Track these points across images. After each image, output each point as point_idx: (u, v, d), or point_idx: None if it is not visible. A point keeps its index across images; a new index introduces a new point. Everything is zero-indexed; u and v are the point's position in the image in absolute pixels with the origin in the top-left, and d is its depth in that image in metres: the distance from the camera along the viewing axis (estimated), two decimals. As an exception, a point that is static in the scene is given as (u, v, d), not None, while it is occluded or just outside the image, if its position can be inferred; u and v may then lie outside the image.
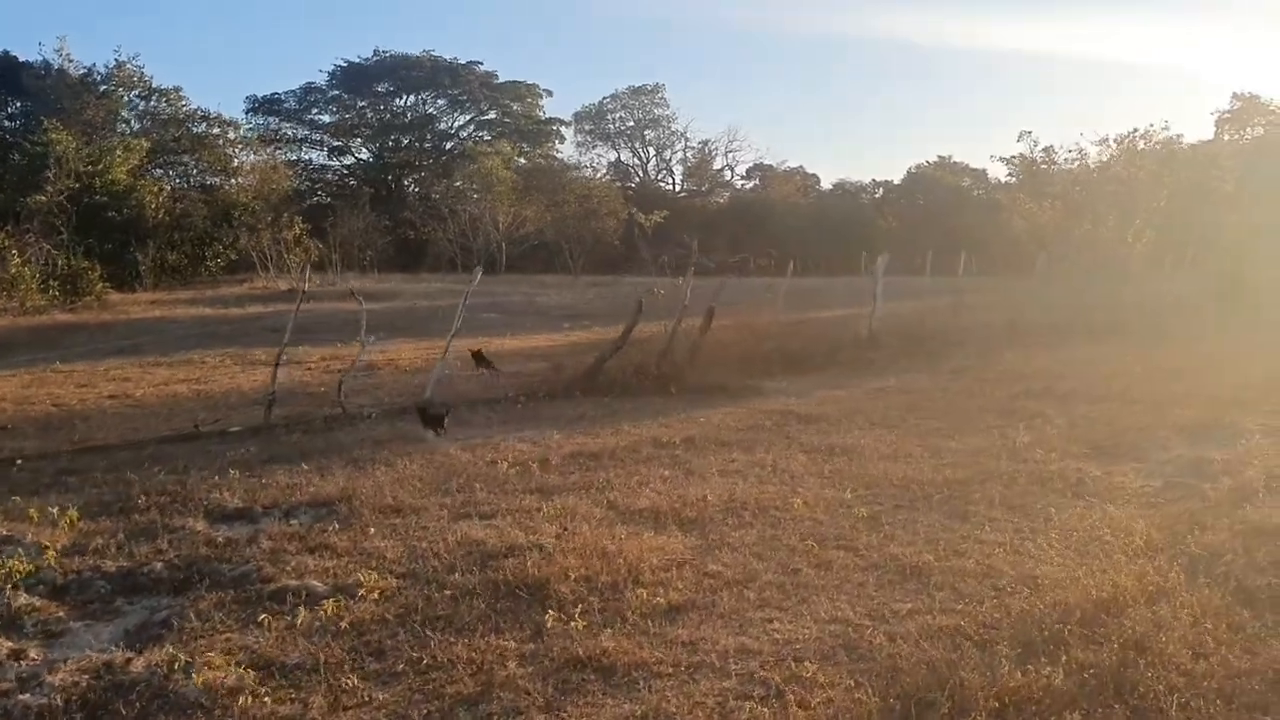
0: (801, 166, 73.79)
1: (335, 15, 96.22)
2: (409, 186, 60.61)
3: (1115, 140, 29.60)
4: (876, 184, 69.96)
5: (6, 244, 27.79)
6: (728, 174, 74.15)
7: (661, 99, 72.29)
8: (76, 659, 4.70)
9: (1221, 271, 25.14)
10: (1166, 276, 25.44)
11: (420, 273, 44.40)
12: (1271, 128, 47.54)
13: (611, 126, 72.80)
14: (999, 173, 43.60)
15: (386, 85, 63.23)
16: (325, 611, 5.06)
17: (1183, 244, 25.67)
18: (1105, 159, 30.37)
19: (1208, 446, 8.82)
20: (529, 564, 5.70)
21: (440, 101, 64.57)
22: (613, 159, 73.49)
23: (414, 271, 44.73)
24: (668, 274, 18.98)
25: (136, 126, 48.26)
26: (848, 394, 12.38)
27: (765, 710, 4.07)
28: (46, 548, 6.19)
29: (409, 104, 64.08)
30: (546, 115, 67.39)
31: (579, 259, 48.57)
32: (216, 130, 48.93)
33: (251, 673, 4.49)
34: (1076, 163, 30.00)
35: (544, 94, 66.60)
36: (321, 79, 62.61)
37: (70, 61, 47.56)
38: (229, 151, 49.16)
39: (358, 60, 62.64)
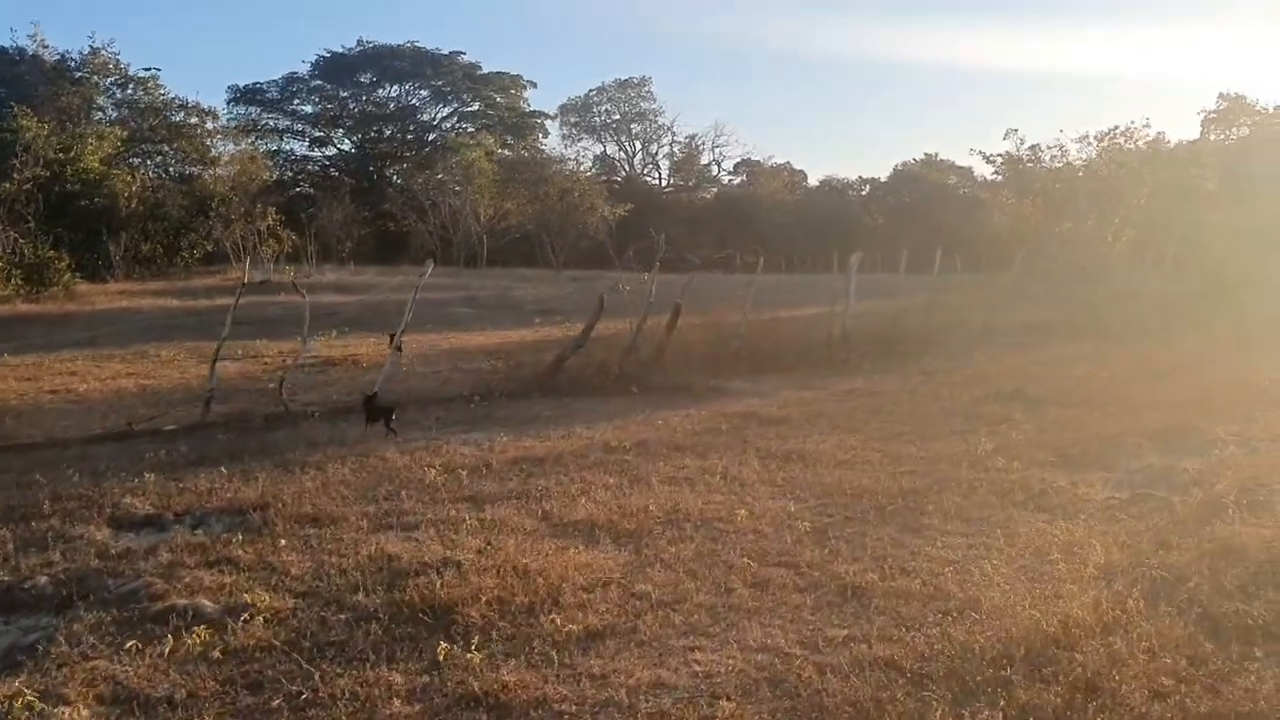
0: (789, 162, 73.72)
1: (318, 4, 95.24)
2: (391, 178, 59.91)
3: (1096, 137, 29.29)
4: (863, 181, 69.82)
5: (-31, 232, 27.18)
6: (714, 169, 73.86)
7: (648, 92, 71.96)
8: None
9: (1203, 271, 24.84)
10: (1147, 275, 25.12)
11: (400, 265, 43.79)
12: (1257, 128, 47.42)
13: (597, 120, 72.38)
14: (985, 171, 43.32)
15: (369, 75, 62.57)
16: (199, 638, 4.61)
17: (1164, 243, 25.37)
18: (1086, 156, 30.11)
19: (1180, 455, 8.43)
20: (439, 584, 5.26)
21: (423, 92, 63.98)
22: (598, 152, 73.09)
23: (394, 264, 44.13)
24: (633, 269, 18.47)
25: (114, 115, 47.56)
26: (814, 396, 11.97)
27: (669, 759, 3.65)
28: (-77, 560, 5.73)
29: (391, 95, 63.47)
30: (531, 107, 66.89)
31: (560, 253, 48.06)
32: (195, 119, 48.25)
33: (110, 709, 4.04)
34: (1057, 160, 29.67)
35: (528, 86, 66.11)
36: (304, 69, 61.92)
37: (45, 48, 46.89)
38: (207, 141, 48.47)
39: (341, 50, 61.98)
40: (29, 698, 4.05)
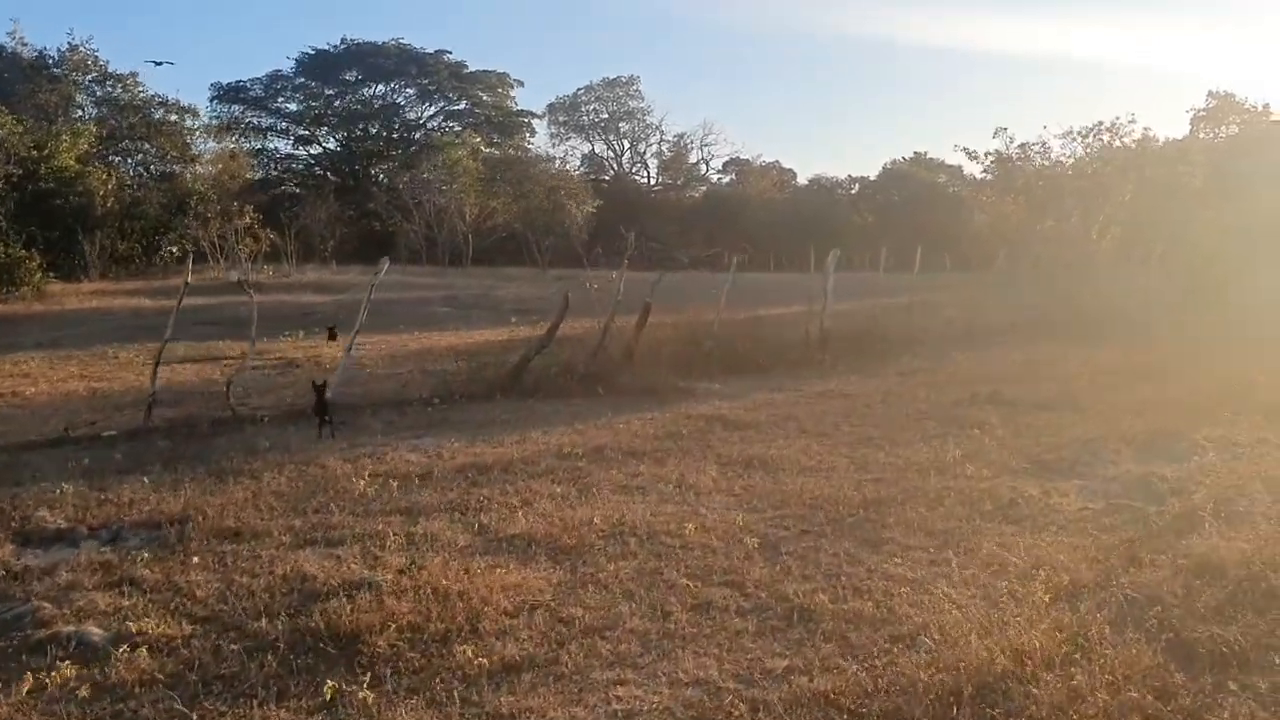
0: (778, 161, 73.22)
1: (302, 2, 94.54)
2: (376, 177, 59.31)
3: (1080, 133, 28.92)
4: (853, 179, 69.43)
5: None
6: (703, 168, 73.39)
7: (636, 91, 71.38)
8: None
9: (1190, 270, 24.54)
10: (1133, 274, 24.78)
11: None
12: (1247, 126, 47.17)
13: (585, 119, 71.79)
14: (975, 169, 42.97)
15: (354, 74, 61.84)
16: (64, 674, 4.18)
17: (1151, 241, 25.04)
18: (1070, 153, 29.72)
19: (1159, 461, 8.06)
20: (349, 609, 4.83)
21: (409, 91, 63.27)
22: (586, 151, 72.57)
23: (377, 263, 43.55)
24: (602, 266, 18.05)
25: (93, 112, 46.90)
26: (785, 398, 11.58)
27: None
28: None
29: (377, 93, 62.74)
30: (518, 106, 66.26)
31: (546, 252, 47.56)
32: (175, 117, 47.58)
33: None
34: (1042, 157, 29.29)
35: (515, 84, 65.43)
36: (288, 67, 61.26)
37: (24, 45, 46.21)
38: (188, 139, 47.80)
39: (325, 48, 61.31)
40: None
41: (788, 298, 22.87)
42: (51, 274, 31.04)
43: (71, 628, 4.76)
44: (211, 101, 58.72)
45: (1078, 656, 4.27)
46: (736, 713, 3.94)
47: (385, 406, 11.18)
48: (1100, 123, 29.82)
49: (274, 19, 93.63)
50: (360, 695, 3.98)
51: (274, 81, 61.28)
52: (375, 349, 17.03)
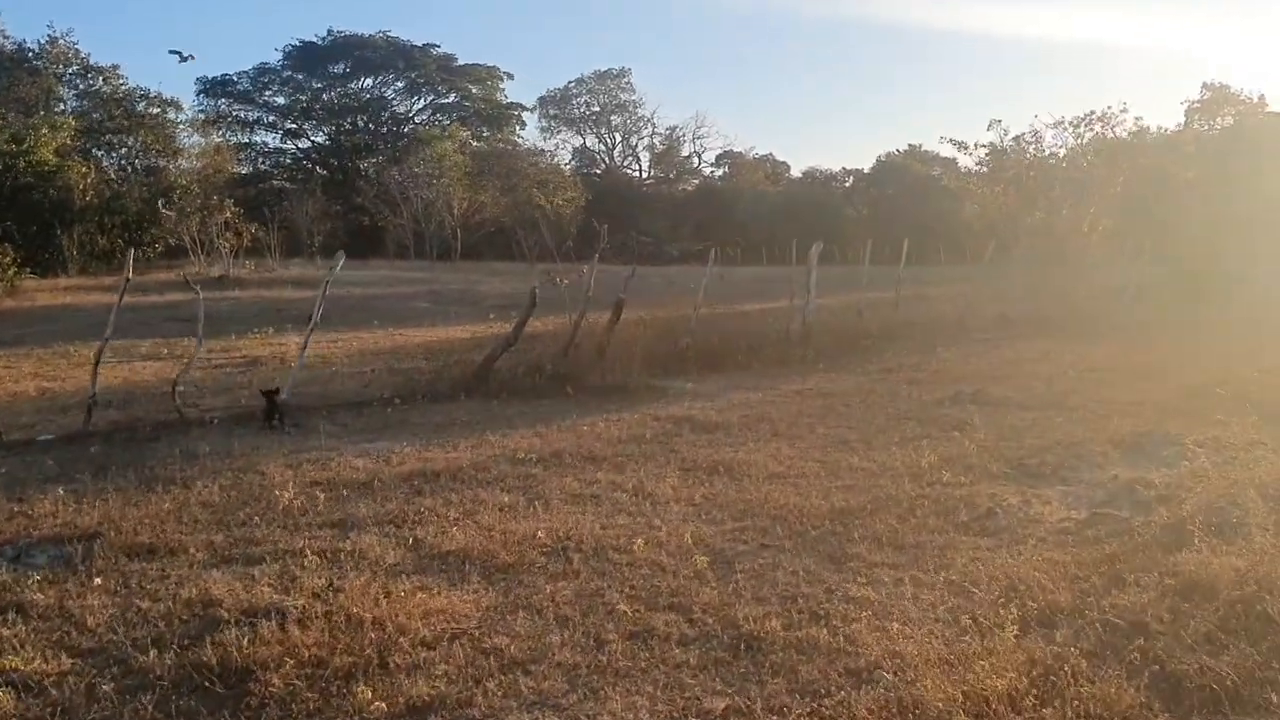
0: (771, 154, 72.74)
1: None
2: (365, 171, 58.71)
3: (1071, 123, 28.43)
4: (847, 172, 68.99)
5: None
6: (695, 161, 72.88)
7: (628, 84, 70.86)
8: None
9: (1183, 263, 24.12)
10: (1125, 267, 24.33)
11: (370, 260, 42.75)
12: (1241, 117, 46.70)
13: (577, 111, 71.25)
14: (969, 162, 42.42)
15: (342, 66, 61.30)
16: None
17: (1143, 233, 24.59)
18: (1061, 142, 29.20)
19: (1147, 465, 7.62)
20: (248, 640, 4.37)
21: (398, 84, 62.78)
22: (578, 145, 72.02)
23: (365, 258, 43.08)
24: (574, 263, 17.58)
25: (75, 105, 46.28)
26: (761, 397, 11.11)
27: None
28: None
29: (365, 86, 62.21)
30: (508, 99, 65.71)
31: (534, 246, 47.02)
32: (157, 110, 46.94)
33: None
34: (1033, 147, 28.77)
35: (505, 77, 64.91)
36: (275, 59, 60.64)
37: (4, 38, 45.60)
38: (171, 132, 47.16)
39: (313, 40, 60.72)
40: None
41: (775, 292, 22.42)
42: (28, 270, 30.50)
43: (-63, 664, 4.29)
44: (198, 95, 58.18)
45: (1050, 696, 3.81)
46: (663, 765, 3.49)
47: (344, 407, 10.70)
48: (1092, 112, 29.39)
49: (260, 10, 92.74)
50: (232, 749, 3.52)
51: (261, 75, 60.73)
52: (346, 346, 16.54)
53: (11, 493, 7.15)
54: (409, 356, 15.05)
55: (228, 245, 33.58)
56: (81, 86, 46.77)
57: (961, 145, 29.88)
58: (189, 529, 6.20)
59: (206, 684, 4.03)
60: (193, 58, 61.85)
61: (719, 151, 71.94)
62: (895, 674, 4.07)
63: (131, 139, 47.03)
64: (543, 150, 65.87)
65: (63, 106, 45.83)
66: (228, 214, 34.24)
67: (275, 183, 57.56)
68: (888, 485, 7.12)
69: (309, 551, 5.59)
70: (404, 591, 5.01)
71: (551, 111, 70.51)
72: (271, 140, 62.03)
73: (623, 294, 12.82)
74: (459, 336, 17.75)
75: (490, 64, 64.37)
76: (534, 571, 5.43)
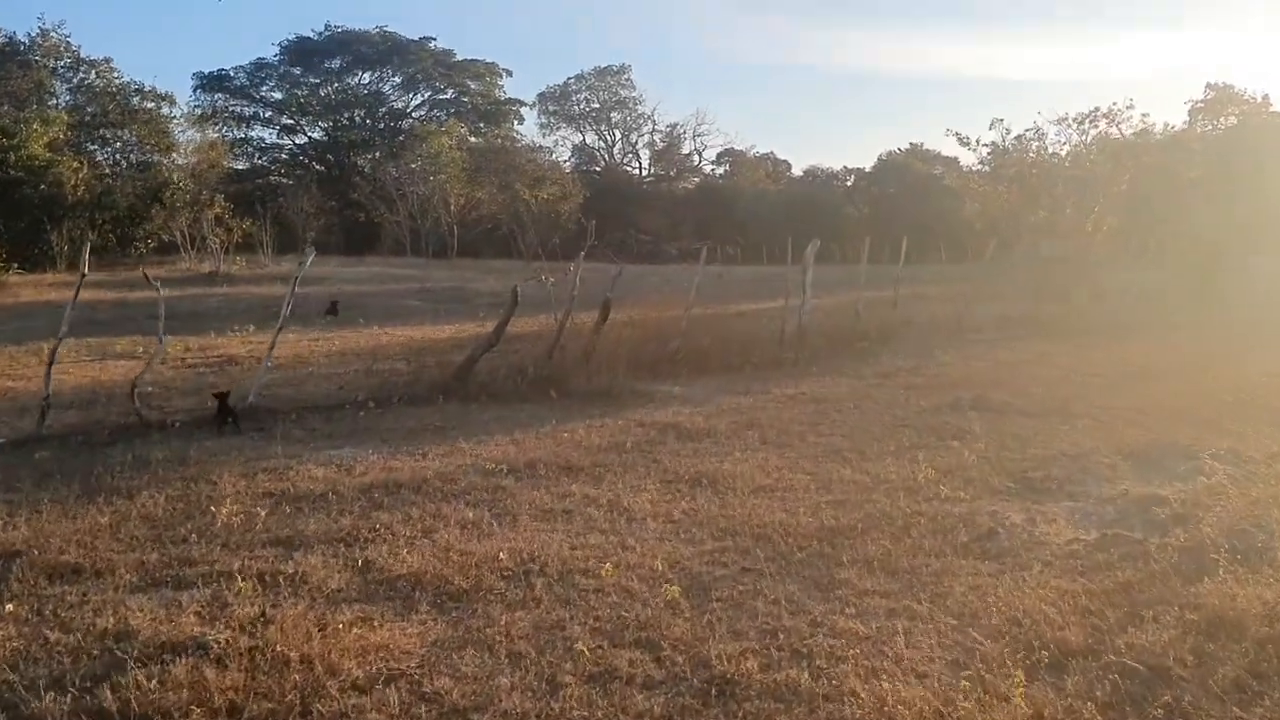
0: (772, 152, 72.12)
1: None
2: (361, 167, 58.17)
3: (1075, 120, 27.91)
4: (848, 171, 68.39)
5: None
6: (696, 159, 72.30)
7: (628, 80, 70.23)
8: None
9: (1189, 262, 23.60)
10: (1129, 267, 23.83)
11: (366, 257, 42.24)
12: (1245, 117, 46.20)
13: (576, 108, 70.66)
14: (971, 159, 41.83)
15: (339, 62, 60.73)
16: None
17: (1147, 232, 24.07)
18: (1065, 140, 28.66)
19: (1159, 480, 7.11)
20: (157, 683, 3.88)
21: (395, 79, 62.22)
22: (577, 142, 71.47)
23: (360, 255, 42.57)
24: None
25: (68, 99, 45.76)
26: (751, 402, 10.61)
27: None
28: None
29: (362, 82, 61.63)
30: (506, 95, 65.13)
31: (532, 244, 46.51)
32: (152, 104, 46.39)
33: None
34: (1037, 144, 28.27)
35: (503, 73, 64.31)
36: (272, 54, 60.10)
37: (-2, 31, 45.06)
38: (165, 127, 46.61)
39: (310, 35, 60.18)
40: None
41: (773, 292, 21.88)
42: (16, 266, 30.05)
43: None
44: (195, 90, 57.67)
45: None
46: (611, 844, 3.00)
47: (314, 410, 10.21)
48: (1096, 108, 28.87)
49: (257, 4, 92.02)
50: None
51: (258, 70, 60.20)
52: (327, 345, 16.06)
53: (-57, 504, 6.67)
54: (389, 357, 14.56)
55: (219, 241, 33.05)
56: (74, 80, 46.26)
57: (965, 140, 29.34)
58: (122, 546, 5.72)
59: (99, 737, 3.55)
60: None
61: (720, 149, 71.41)
62: (884, 729, 3.58)
63: (125, 133, 46.52)
64: (541, 147, 65.37)
65: (55, 100, 45.33)
66: (218, 209, 33.71)
67: (271, 178, 57.08)
68: (881, 500, 6.62)
69: (246, 575, 5.10)
70: (342, 624, 4.52)
71: (551, 108, 69.94)
72: (268, 136, 61.58)
73: (610, 294, 12.32)
74: (441, 336, 17.24)
75: (489, 60, 63.89)
76: (491, 599, 4.94)
